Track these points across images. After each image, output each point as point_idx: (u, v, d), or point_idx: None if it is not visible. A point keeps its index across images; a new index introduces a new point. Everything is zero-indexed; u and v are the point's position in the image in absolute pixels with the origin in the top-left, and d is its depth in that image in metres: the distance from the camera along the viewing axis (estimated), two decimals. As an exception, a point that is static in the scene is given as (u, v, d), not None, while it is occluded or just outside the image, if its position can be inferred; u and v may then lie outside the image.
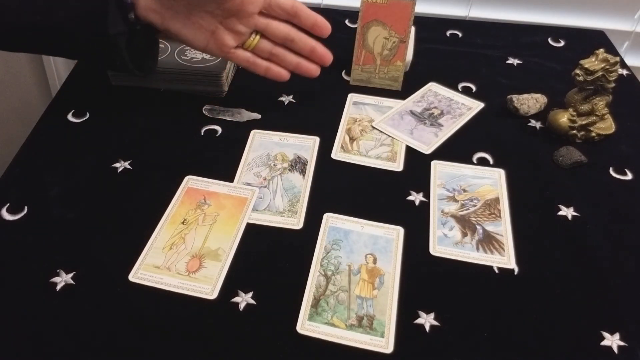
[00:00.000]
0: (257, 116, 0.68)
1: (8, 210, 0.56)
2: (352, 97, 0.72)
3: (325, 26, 0.64)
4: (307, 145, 0.65)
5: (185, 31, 0.59)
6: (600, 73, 0.63)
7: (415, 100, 0.72)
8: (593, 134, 0.67)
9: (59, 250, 0.53)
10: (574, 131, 0.66)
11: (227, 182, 0.60)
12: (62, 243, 0.53)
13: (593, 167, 0.64)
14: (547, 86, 0.74)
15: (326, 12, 0.89)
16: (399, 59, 0.71)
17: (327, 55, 0.66)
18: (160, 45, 0.73)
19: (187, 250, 0.53)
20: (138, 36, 0.59)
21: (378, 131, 0.67)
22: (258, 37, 0.62)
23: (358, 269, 0.52)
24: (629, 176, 0.64)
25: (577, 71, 0.64)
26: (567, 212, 0.59)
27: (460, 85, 0.75)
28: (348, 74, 0.75)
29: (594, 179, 0.63)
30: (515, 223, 0.57)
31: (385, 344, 0.47)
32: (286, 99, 0.72)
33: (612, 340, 0.48)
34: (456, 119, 0.70)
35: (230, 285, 0.50)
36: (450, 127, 0.68)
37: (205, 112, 0.68)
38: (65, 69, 1.00)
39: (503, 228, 0.57)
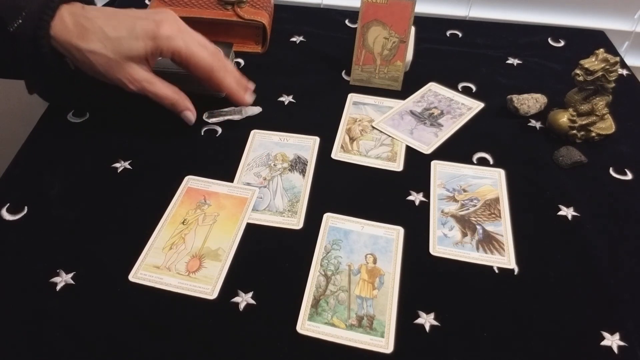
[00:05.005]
0: (258, 109, 0.68)
1: (8, 210, 0.56)
2: (352, 97, 0.72)
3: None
4: (307, 145, 0.65)
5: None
6: (600, 73, 0.63)
7: (415, 100, 0.72)
8: (593, 134, 0.67)
9: (59, 250, 0.53)
10: (574, 131, 0.66)
11: (227, 182, 0.60)
12: (62, 243, 0.53)
13: (593, 167, 0.64)
14: (547, 86, 0.74)
15: (326, 12, 0.89)
16: (399, 59, 0.71)
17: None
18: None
19: (187, 250, 0.53)
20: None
21: (378, 131, 0.67)
22: None
23: (358, 269, 0.52)
24: (629, 176, 0.64)
25: (577, 71, 0.64)
26: (567, 212, 0.59)
27: (460, 85, 0.75)
28: (348, 74, 0.75)
29: (594, 179, 0.63)
30: (515, 223, 0.57)
31: (385, 344, 0.47)
32: (286, 99, 0.72)
33: (612, 340, 0.48)
34: (456, 119, 0.70)
35: (230, 285, 0.50)
36: (450, 127, 0.68)
37: (205, 119, 0.67)
38: (65, 69, 1.00)
39: (503, 228, 0.57)
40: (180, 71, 0.69)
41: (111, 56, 0.56)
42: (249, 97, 0.63)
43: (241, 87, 0.63)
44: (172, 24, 0.57)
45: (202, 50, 0.58)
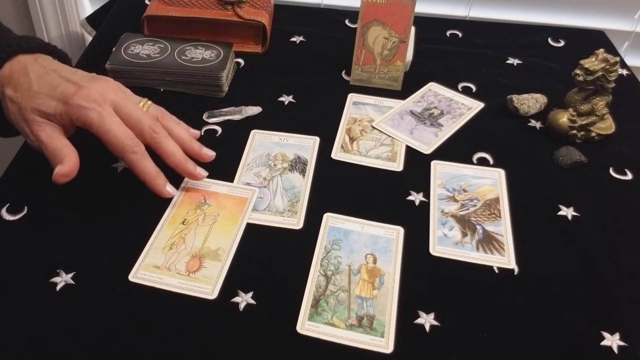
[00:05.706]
0: (258, 109, 0.68)
1: (8, 210, 0.56)
2: (352, 97, 0.72)
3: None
4: (307, 145, 0.65)
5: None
6: (600, 73, 0.63)
7: (415, 100, 0.72)
8: (593, 134, 0.67)
9: (59, 250, 0.53)
10: (574, 131, 0.66)
11: (227, 182, 0.60)
12: (62, 243, 0.53)
13: (593, 167, 0.64)
14: (547, 86, 0.74)
15: (326, 12, 0.89)
16: (399, 59, 0.71)
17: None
18: (160, 45, 0.73)
19: (187, 250, 0.53)
20: None
21: (378, 131, 0.67)
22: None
23: (358, 269, 0.52)
24: (629, 176, 0.64)
25: (577, 71, 0.64)
26: (567, 212, 0.59)
27: (460, 85, 0.75)
28: (348, 74, 0.75)
29: (594, 179, 0.63)
30: (515, 223, 0.57)
31: (385, 344, 0.47)
32: (286, 99, 0.72)
33: (612, 340, 0.48)
34: (456, 119, 0.70)
35: (230, 285, 0.50)
36: (450, 127, 0.68)
37: (205, 119, 0.67)
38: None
39: (503, 228, 0.57)
40: (179, 70, 0.69)
41: (22, 105, 0.54)
42: (169, 189, 0.56)
43: (161, 179, 0.56)
44: (97, 95, 0.53)
45: (119, 128, 0.53)
